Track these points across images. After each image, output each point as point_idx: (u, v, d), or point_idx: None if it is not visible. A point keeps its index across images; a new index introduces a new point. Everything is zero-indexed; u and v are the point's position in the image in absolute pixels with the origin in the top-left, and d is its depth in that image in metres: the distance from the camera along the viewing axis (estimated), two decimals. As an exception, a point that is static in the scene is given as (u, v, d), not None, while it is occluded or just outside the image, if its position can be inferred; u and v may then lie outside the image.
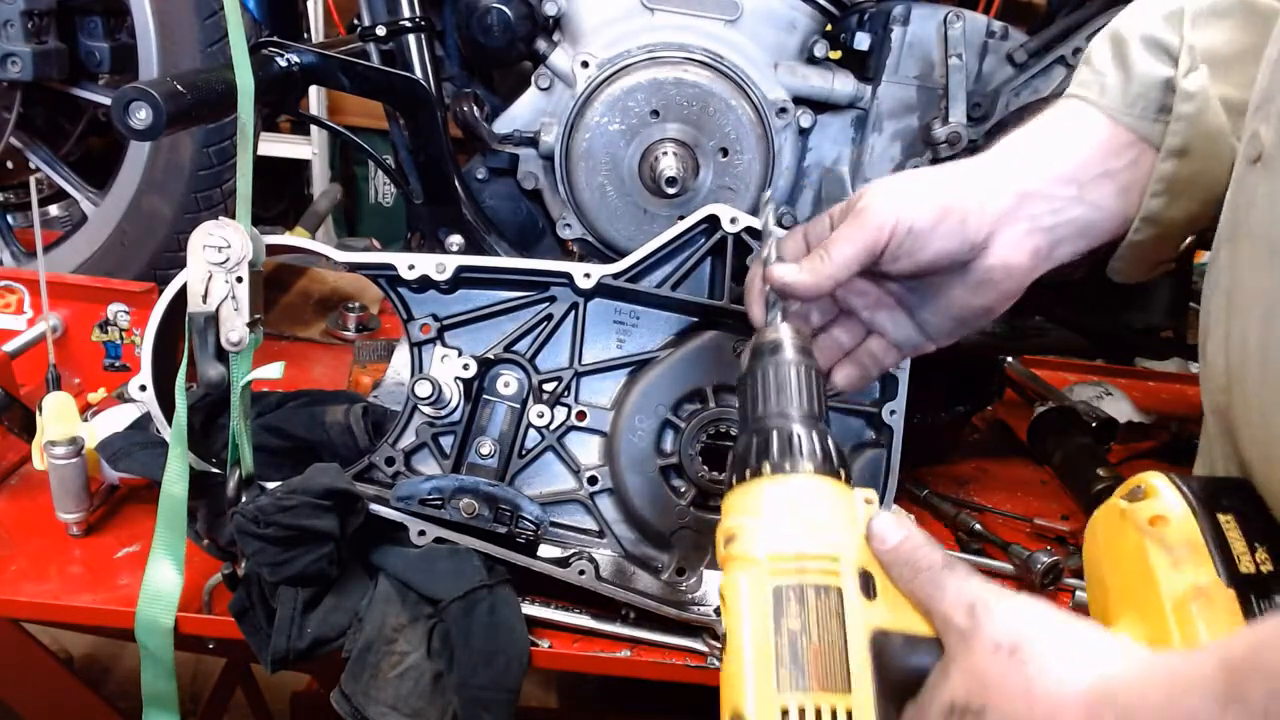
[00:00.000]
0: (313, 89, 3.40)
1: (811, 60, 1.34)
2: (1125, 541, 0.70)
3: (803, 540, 0.67)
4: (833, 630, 0.65)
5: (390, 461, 1.10)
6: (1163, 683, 0.55)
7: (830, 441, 0.73)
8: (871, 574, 0.68)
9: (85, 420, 1.17)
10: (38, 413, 1.13)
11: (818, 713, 0.62)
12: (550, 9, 1.29)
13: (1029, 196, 0.86)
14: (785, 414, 0.74)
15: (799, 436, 0.72)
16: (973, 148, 1.30)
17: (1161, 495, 0.69)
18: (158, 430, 1.08)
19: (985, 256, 0.86)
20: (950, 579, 0.66)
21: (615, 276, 1.10)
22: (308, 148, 4.15)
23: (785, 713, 0.62)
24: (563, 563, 1.07)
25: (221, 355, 1.00)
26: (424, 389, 1.05)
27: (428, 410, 1.09)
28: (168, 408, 1.05)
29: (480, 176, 1.39)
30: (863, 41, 1.32)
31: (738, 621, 0.67)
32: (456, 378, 1.08)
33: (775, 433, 0.72)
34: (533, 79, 1.33)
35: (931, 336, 0.93)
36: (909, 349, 0.95)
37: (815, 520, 0.68)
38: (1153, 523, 0.68)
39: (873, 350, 0.94)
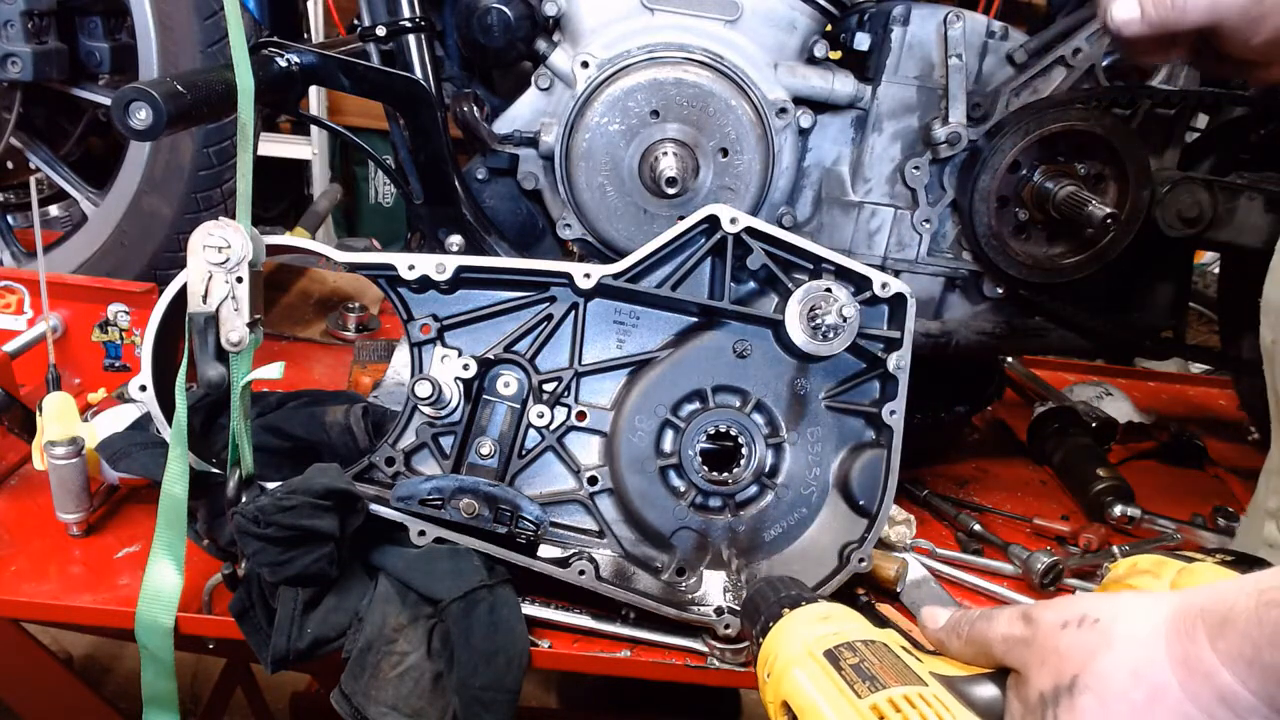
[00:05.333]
0: (313, 89, 3.39)
1: (811, 60, 1.34)
2: None
3: (837, 629, 0.73)
4: (892, 660, 0.67)
5: (390, 461, 1.10)
6: (1250, 588, 0.54)
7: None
8: (918, 642, 0.72)
9: (85, 420, 1.17)
10: (38, 413, 1.13)
11: (907, 700, 0.62)
12: (550, 9, 1.29)
13: None
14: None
15: (800, 592, 0.82)
16: (972, 147, 1.30)
17: None
18: (158, 430, 1.08)
19: None
20: (999, 611, 0.68)
21: (615, 277, 1.10)
22: (308, 148, 4.15)
23: (876, 709, 0.63)
24: (563, 563, 1.07)
25: (221, 355, 1.00)
26: (424, 389, 1.05)
27: (428, 410, 1.09)
28: (168, 408, 1.05)
29: (480, 176, 1.39)
30: (863, 42, 1.32)
31: (803, 694, 0.68)
32: (456, 378, 1.08)
33: (783, 595, 0.81)
34: (533, 79, 1.33)
35: None
36: None
37: (843, 618, 0.75)
38: None
39: None
